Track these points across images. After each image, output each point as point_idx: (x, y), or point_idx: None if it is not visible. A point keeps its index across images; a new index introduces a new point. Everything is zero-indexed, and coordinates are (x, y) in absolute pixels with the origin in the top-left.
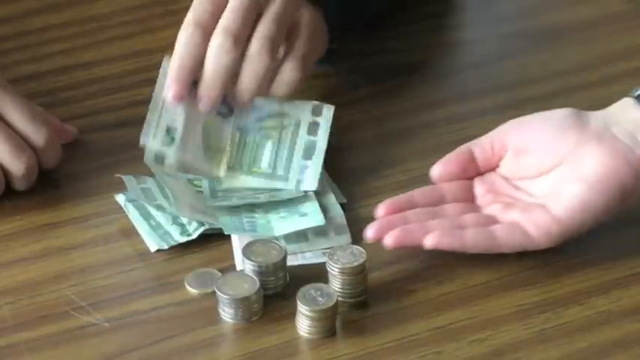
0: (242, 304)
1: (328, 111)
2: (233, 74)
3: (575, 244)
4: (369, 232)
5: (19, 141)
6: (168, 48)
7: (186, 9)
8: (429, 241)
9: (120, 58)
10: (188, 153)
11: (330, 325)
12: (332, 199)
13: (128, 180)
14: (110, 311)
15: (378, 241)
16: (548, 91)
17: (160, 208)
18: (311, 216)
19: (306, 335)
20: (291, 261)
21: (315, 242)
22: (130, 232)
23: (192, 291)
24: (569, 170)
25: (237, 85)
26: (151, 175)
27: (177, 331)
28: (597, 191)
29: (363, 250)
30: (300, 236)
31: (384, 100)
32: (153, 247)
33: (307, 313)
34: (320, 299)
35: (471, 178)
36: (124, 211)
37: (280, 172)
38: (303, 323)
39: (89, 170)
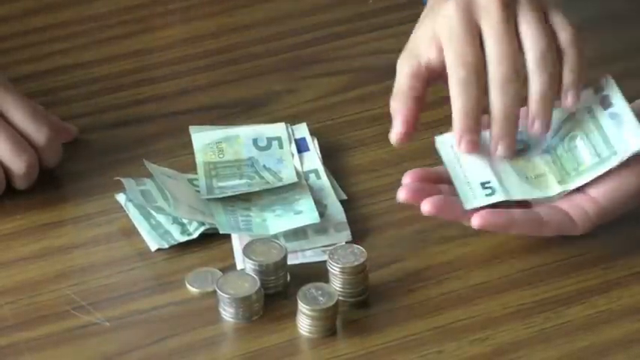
0: (243, 303)
1: (607, 80)
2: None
3: (576, 243)
4: (401, 194)
5: (20, 140)
6: (169, 47)
7: (186, 8)
8: (477, 220)
9: (120, 58)
10: None
11: (331, 324)
12: (332, 196)
13: (127, 182)
14: (111, 310)
15: (409, 203)
16: None
17: (159, 210)
18: (306, 214)
19: (307, 334)
20: (292, 260)
21: (315, 239)
22: (131, 232)
23: (193, 290)
24: None
25: (531, 120)
26: (151, 175)
27: (177, 330)
28: (634, 172)
29: (364, 250)
30: (300, 234)
31: (384, 99)
32: (153, 247)
33: (308, 312)
34: (321, 298)
35: None
36: (125, 211)
37: (606, 153)
38: (304, 322)
39: (90, 169)
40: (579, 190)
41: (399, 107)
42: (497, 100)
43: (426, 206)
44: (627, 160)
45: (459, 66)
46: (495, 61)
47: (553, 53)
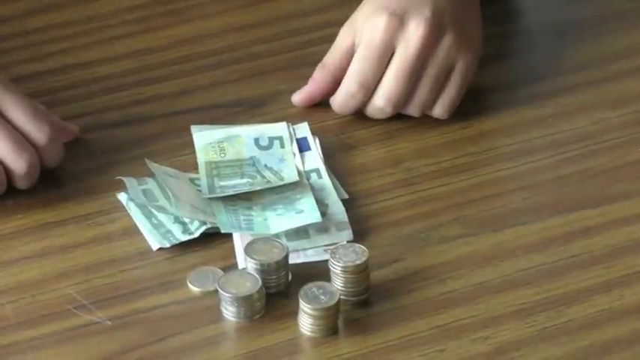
0: (244, 302)
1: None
2: None
3: (578, 242)
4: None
5: (21, 139)
6: (170, 47)
7: (187, 8)
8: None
9: (121, 57)
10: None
11: (333, 323)
12: (333, 195)
13: (129, 181)
14: (112, 310)
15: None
16: (550, 89)
17: (161, 209)
18: (307, 213)
19: (309, 334)
20: (293, 259)
21: (317, 239)
22: (132, 231)
23: (195, 289)
24: None
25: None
26: (152, 175)
27: (179, 329)
28: None
29: (365, 249)
30: (301, 233)
31: None
32: (155, 246)
33: (309, 311)
34: (322, 297)
35: None
36: (126, 210)
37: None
38: (306, 322)
39: (91, 169)
40: None
41: (319, 77)
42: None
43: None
44: None
45: (355, 81)
46: (381, 93)
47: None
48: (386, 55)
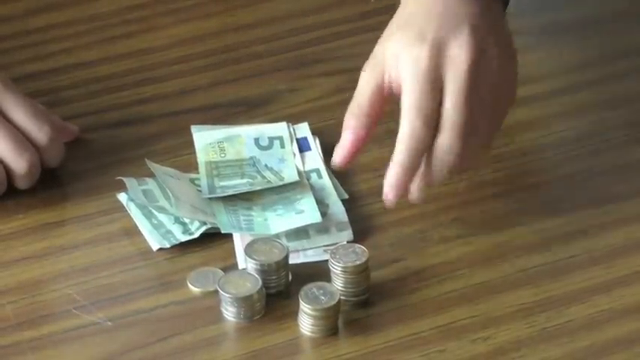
0: (244, 302)
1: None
2: None
3: (578, 242)
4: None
5: (22, 139)
6: (171, 46)
7: (188, 8)
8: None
9: (121, 57)
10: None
11: (333, 323)
12: (334, 196)
13: (129, 182)
14: (112, 310)
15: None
16: (550, 89)
17: (161, 209)
18: (307, 213)
19: (309, 334)
20: (293, 259)
21: (317, 239)
22: (132, 231)
23: (195, 290)
24: None
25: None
26: (153, 175)
27: (179, 329)
28: None
29: (366, 249)
30: (302, 233)
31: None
32: (155, 246)
33: (310, 311)
34: (322, 298)
35: None
36: (126, 210)
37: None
38: (306, 322)
39: (91, 169)
40: None
41: (355, 125)
42: (434, 165)
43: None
44: None
45: (415, 116)
46: (447, 127)
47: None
48: (437, 83)
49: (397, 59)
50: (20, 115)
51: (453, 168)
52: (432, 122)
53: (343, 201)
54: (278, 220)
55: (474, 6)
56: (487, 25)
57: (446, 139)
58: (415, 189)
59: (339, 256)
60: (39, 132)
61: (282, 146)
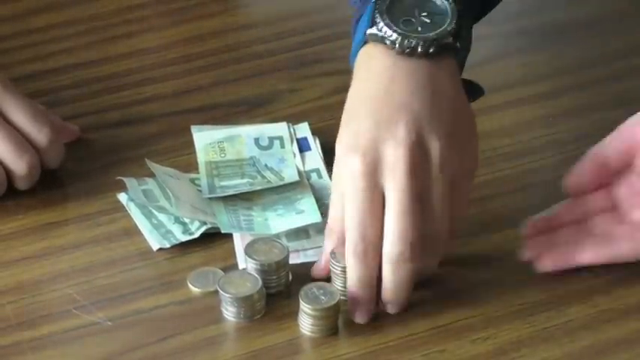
0: (244, 302)
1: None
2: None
3: None
4: (526, 255)
5: (22, 140)
6: (171, 46)
7: (188, 7)
8: (585, 257)
9: (122, 57)
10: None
11: (333, 323)
12: None
13: (129, 182)
14: (112, 310)
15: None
16: (550, 89)
17: (161, 209)
18: (308, 213)
19: (309, 334)
20: (294, 259)
21: (317, 239)
22: (133, 231)
23: (195, 290)
24: None
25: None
26: (153, 175)
27: (179, 329)
28: None
29: None
30: (302, 233)
31: None
32: (155, 246)
33: (310, 311)
34: (322, 298)
35: (608, 184)
36: (126, 210)
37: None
38: (306, 322)
39: (92, 169)
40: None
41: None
42: (388, 276)
43: (545, 265)
44: None
45: (357, 238)
46: (391, 238)
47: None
48: (377, 194)
49: (339, 170)
50: (19, 116)
51: (413, 273)
52: (375, 241)
53: None
54: (278, 220)
55: (420, 75)
56: (431, 102)
57: (395, 248)
58: (385, 306)
59: (339, 256)
60: (38, 134)
61: (282, 146)
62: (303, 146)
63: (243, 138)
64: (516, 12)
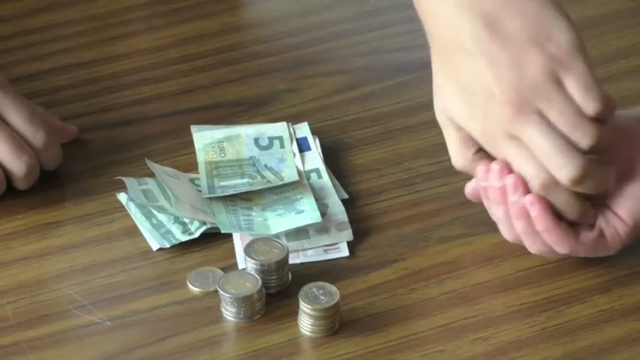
0: (244, 302)
1: None
2: None
3: None
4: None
5: (20, 141)
6: (171, 46)
7: (188, 8)
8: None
9: (121, 57)
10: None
11: (332, 323)
12: (333, 196)
13: (129, 182)
14: (112, 310)
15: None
16: None
17: (161, 209)
18: (307, 213)
19: (309, 334)
20: (293, 259)
21: (317, 239)
22: (132, 231)
23: (194, 290)
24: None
25: None
26: (152, 175)
27: (179, 329)
28: None
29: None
30: (301, 233)
31: (385, 99)
32: (155, 246)
33: (309, 311)
34: (322, 298)
35: None
36: (126, 210)
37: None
38: (306, 322)
39: (91, 169)
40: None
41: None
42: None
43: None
44: None
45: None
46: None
47: None
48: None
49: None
50: (16, 118)
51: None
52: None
53: (343, 201)
54: (278, 220)
55: None
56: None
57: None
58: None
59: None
60: (33, 137)
61: (282, 146)
62: (302, 146)
63: (242, 138)
64: None
